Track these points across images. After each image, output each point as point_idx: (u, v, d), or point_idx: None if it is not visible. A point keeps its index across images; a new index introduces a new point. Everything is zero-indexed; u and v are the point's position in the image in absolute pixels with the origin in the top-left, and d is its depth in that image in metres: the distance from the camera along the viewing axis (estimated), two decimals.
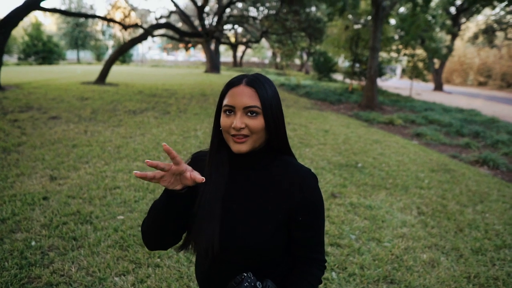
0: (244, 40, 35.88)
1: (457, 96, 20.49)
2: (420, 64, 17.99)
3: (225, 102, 1.08)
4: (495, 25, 24.84)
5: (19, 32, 31.87)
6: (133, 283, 2.37)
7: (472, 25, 29.54)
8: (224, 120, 1.08)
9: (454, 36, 22.88)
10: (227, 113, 1.07)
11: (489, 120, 10.72)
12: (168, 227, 1.09)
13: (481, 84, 32.47)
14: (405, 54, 17.88)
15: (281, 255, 1.15)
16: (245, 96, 1.06)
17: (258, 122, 1.06)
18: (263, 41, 38.10)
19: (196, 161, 1.23)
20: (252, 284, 0.97)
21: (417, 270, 2.72)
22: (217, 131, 1.14)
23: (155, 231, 1.11)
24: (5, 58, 29.61)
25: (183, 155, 5.22)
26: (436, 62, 22.88)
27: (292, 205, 1.10)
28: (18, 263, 2.50)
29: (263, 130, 1.07)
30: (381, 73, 18.98)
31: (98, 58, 40.95)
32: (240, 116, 1.05)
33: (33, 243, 2.75)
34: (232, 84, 1.10)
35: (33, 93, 10.61)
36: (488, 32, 25.10)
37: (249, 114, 1.05)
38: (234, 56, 42.33)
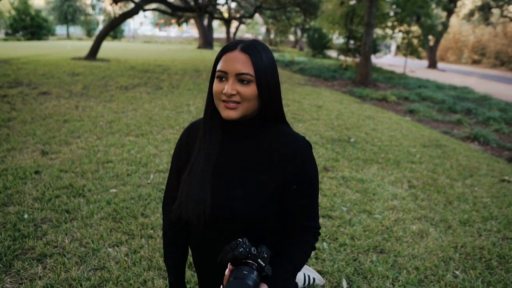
0: (238, 15, 35.22)
1: (451, 74, 20.49)
2: (415, 41, 17.84)
3: (218, 67, 1.05)
4: (491, 2, 24.56)
5: (5, 6, 30.93)
6: (127, 254, 2.40)
7: (468, 2, 29.18)
8: (216, 85, 1.05)
9: (450, 13, 22.66)
10: (220, 78, 1.05)
11: (481, 98, 10.77)
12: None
13: (475, 62, 32.40)
14: (400, 31, 17.69)
15: (275, 223, 1.15)
16: (239, 62, 1.02)
17: (250, 90, 1.03)
18: (257, 17, 37.46)
19: (191, 130, 1.22)
20: (247, 249, 0.98)
21: (406, 241, 2.78)
22: (211, 99, 1.11)
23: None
24: None
25: (176, 129, 5.20)
26: (431, 40, 22.70)
27: (286, 173, 1.09)
28: (11, 235, 2.50)
29: (256, 98, 1.04)
30: (375, 50, 18.83)
31: (89, 33, 40.05)
32: (232, 83, 1.02)
33: (25, 215, 2.76)
34: (227, 49, 1.06)
35: (22, 68, 10.40)
36: (484, 9, 24.82)
37: (241, 81, 1.02)
38: (228, 32, 41.55)
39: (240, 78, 1.02)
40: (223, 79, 1.04)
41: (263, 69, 1.04)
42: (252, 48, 1.05)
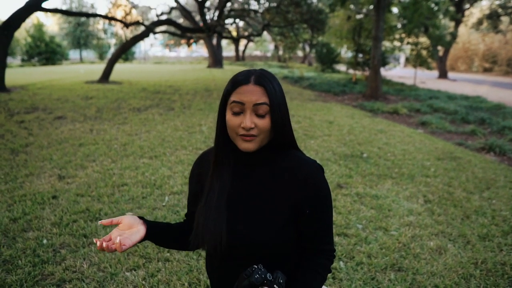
0: (246, 34, 35.71)
1: (462, 83, 20.32)
2: (424, 52, 17.81)
3: (233, 98, 1.06)
4: (500, 10, 24.47)
5: (22, 34, 32.03)
6: (144, 278, 2.41)
7: (476, 11, 29.11)
8: (231, 119, 1.06)
9: (458, 22, 22.63)
10: (235, 111, 1.05)
11: (495, 107, 10.63)
12: (170, 243, 1.28)
13: (486, 71, 32.12)
14: (408, 43, 17.71)
15: (290, 249, 1.15)
16: (255, 94, 1.04)
17: (266, 122, 1.05)
18: (265, 34, 37.93)
19: (202, 161, 1.25)
20: (263, 275, 0.99)
21: (424, 258, 2.74)
22: (221, 129, 1.12)
23: (166, 247, 1.32)
24: (9, 60, 29.78)
25: (189, 150, 5.25)
26: (440, 50, 22.65)
27: (298, 198, 1.10)
28: (31, 261, 2.55)
29: (270, 129, 1.07)
30: (384, 63, 18.85)
31: (101, 57, 41.06)
32: (250, 116, 1.04)
33: (44, 241, 2.81)
34: (239, 82, 1.06)
35: (38, 94, 10.68)
36: (493, 17, 24.75)
37: (258, 113, 1.04)
38: (237, 50, 42.23)
39: (257, 109, 1.04)
40: (240, 112, 1.05)
41: (277, 99, 1.06)
42: (264, 79, 1.07)
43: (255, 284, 0.97)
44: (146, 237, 1.15)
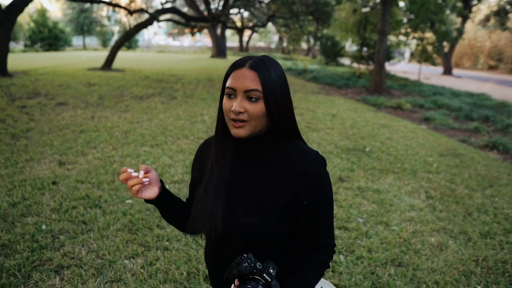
0: (251, 24, 35.47)
1: (467, 80, 20.18)
2: (429, 48, 17.66)
3: (227, 84, 1.06)
4: (508, 7, 24.19)
5: (25, 19, 31.85)
6: (143, 266, 2.40)
7: (484, 7, 28.80)
8: (225, 102, 1.06)
9: (465, 18, 22.39)
10: (229, 96, 1.05)
11: (499, 104, 10.56)
12: (174, 217, 1.23)
13: (491, 68, 31.86)
14: (414, 38, 17.55)
15: (288, 241, 1.13)
16: (247, 79, 1.02)
17: (258, 108, 1.02)
18: (270, 26, 37.67)
19: (205, 146, 1.24)
20: (252, 264, 0.97)
21: (425, 254, 2.72)
22: (222, 116, 1.11)
23: (168, 221, 1.27)
24: (12, 45, 29.69)
25: (191, 140, 5.23)
26: (446, 46, 22.44)
27: (297, 188, 1.07)
28: (30, 246, 2.54)
29: (264, 116, 1.04)
30: (389, 57, 18.70)
31: (104, 44, 40.86)
32: (240, 100, 1.02)
33: (43, 226, 2.79)
34: (236, 66, 1.07)
35: (40, 79, 10.64)
36: (500, 14, 24.45)
37: (249, 98, 1.02)
38: (240, 41, 41.94)
39: (249, 95, 1.02)
40: (232, 96, 1.05)
41: (272, 86, 1.04)
42: (260, 65, 1.05)
43: (243, 272, 0.95)
44: (155, 200, 1.14)
